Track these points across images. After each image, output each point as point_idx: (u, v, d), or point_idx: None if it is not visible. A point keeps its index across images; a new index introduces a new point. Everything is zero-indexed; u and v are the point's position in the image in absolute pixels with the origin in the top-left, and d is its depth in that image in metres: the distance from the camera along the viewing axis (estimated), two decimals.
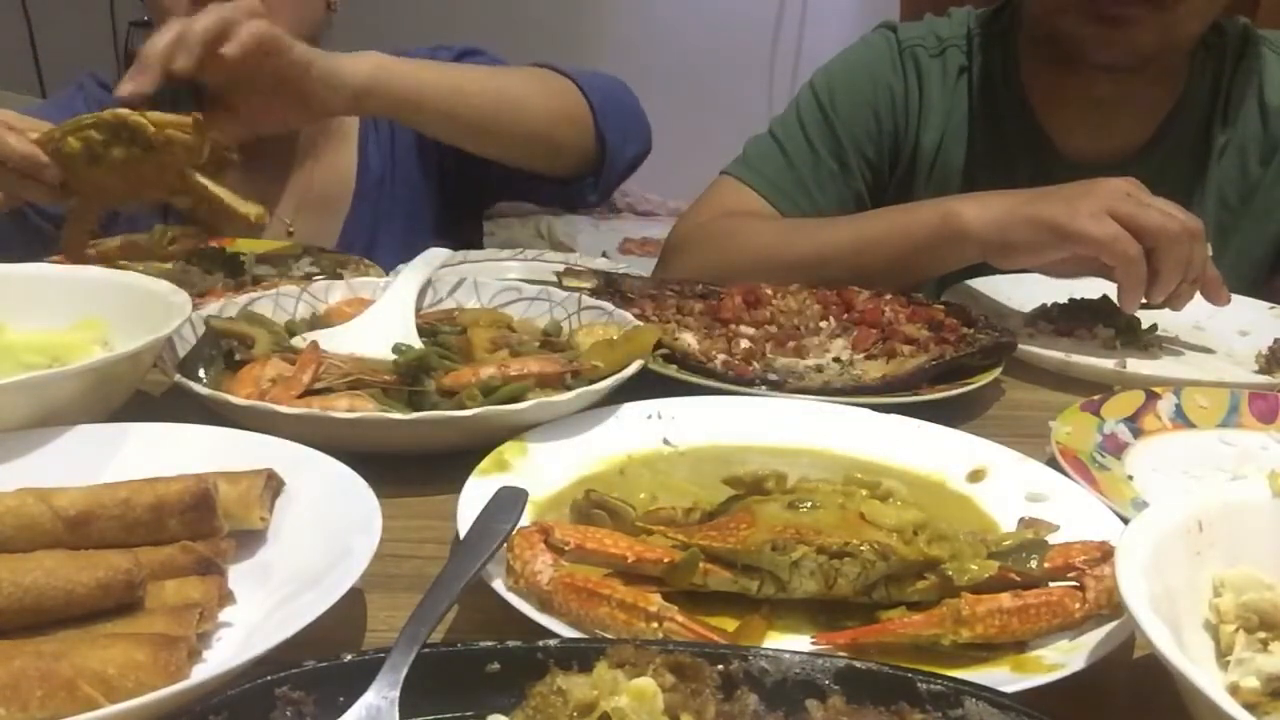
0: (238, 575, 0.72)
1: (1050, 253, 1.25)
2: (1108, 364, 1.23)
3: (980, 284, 1.49)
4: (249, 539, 0.74)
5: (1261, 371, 1.27)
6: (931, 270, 1.41)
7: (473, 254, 1.57)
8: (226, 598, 0.68)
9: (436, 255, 1.26)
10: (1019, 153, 1.58)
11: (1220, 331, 1.41)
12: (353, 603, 0.69)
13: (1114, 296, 1.42)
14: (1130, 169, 1.46)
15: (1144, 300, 1.23)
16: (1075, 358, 1.25)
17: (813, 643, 0.68)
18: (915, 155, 1.61)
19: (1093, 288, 1.46)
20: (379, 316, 1.13)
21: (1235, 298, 1.48)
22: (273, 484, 0.77)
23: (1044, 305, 1.42)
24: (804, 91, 1.65)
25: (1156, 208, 1.20)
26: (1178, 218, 1.20)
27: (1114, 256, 1.19)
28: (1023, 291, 1.47)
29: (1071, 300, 1.42)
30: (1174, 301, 1.24)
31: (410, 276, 1.20)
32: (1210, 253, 1.23)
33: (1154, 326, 1.37)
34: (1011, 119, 1.58)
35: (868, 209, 1.60)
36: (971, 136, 1.60)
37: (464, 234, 1.80)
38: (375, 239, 1.66)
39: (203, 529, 0.71)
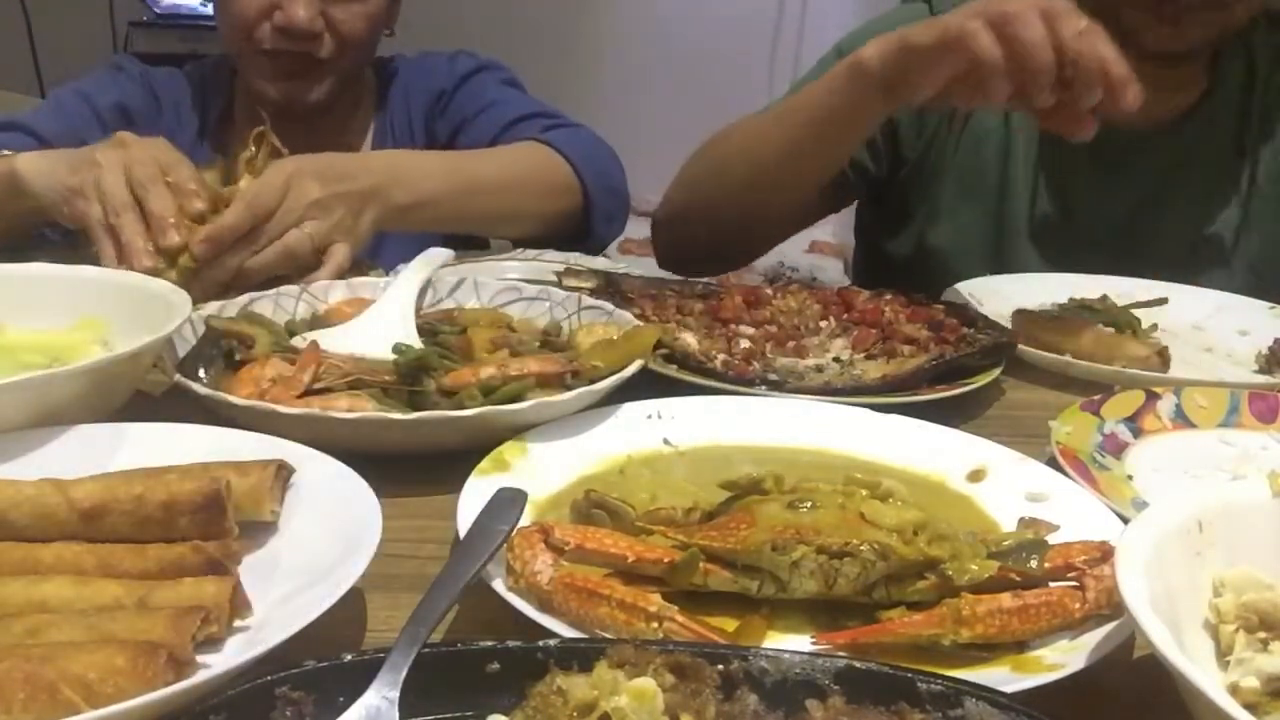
0: (240, 573, 0.72)
1: (919, 75, 1.18)
2: (1108, 364, 1.23)
3: (980, 284, 1.49)
4: (250, 537, 0.74)
5: (1261, 371, 1.28)
6: (853, 125, 1.37)
7: (473, 254, 1.57)
8: (244, 606, 0.68)
9: (436, 255, 1.26)
10: None
11: (1220, 331, 1.41)
12: (353, 603, 0.69)
13: (1114, 296, 1.43)
14: (1172, 139, 1.44)
15: (1039, 102, 1.12)
16: (1075, 358, 1.25)
17: (813, 643, 0.68)
18: (942, 119, 1.59)
19: (1093, 287, 1.47)
20: (379, 316, 1.13)
21: (1235, 298, 1.48)
22: (283, 474, 0.77)
23: (1044, 305, 1.42)
24: (829, 52, 1.62)
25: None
26: (1023, 2, 1.11)
27: (958, 40, 1.12)
28: (1023, 291, 1.47)
29: (1071, 300, 1.42)
30: (1078, 95, 1.11)
31: (410, 276, 1.20)
32: (1082, 27, 1.10)
33: (1154, 326, 1.37)
34: None
35: (880, 162, 1.61)
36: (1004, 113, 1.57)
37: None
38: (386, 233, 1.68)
39: (213, 530, 0.72)
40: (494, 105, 1.74)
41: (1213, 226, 1.58)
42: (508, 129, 1.67)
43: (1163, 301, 1.45)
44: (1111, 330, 1.33)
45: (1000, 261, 1.60)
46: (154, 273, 1.19)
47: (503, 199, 1.54)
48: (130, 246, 1.18)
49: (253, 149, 1.35)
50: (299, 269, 1.29)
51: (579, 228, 1.64)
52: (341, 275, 1.28)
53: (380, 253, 1.57)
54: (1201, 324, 1.42)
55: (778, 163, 1.38)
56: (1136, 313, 1.39)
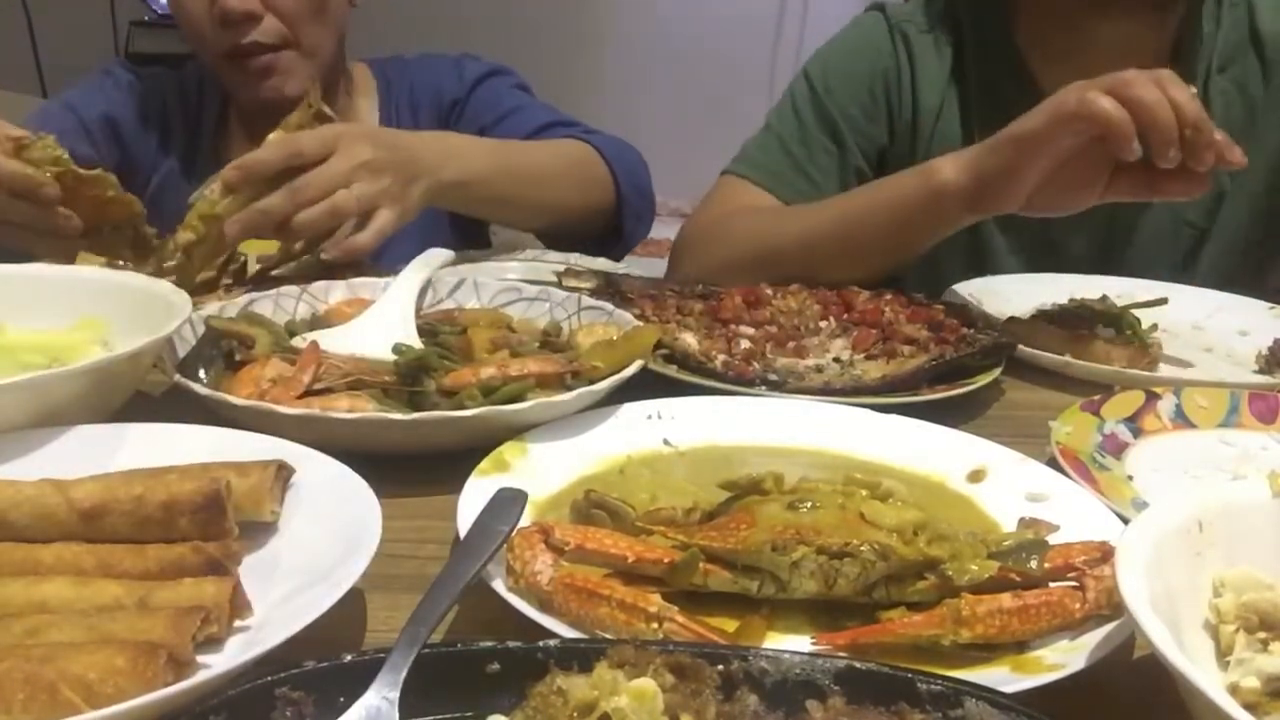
0: (240, 573, 0.72)
1: (1023, 168, 1.20)
2: (1108, 364, 1.23)
3: (980, 284, 1.48)
4: (250, 537, 0.75)
5: (1261, 371, 1.27)
6: (924, 235, 1.38)
7: (473, 254, 1.58)
8: (244, 607, 0.68)
9: (436, 255, 1.26)
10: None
11: (1220, 331, 1.41)
12: (353, 603, 0.69)
13: (1114, 296, 1.42)
14: None
15: (1164, 160, 1.13)
16: (1075, 359, 1.25)
17: (813, 643, 0.68)
18: (914, 131, 1.61)
19: (1093, 287, 1.46)
20: (379, 316, 1.12)
21: (1235, 298, 1.48)
22: (283, 474, 0.77)
23: (1043, 305, 1.42)
24: (797, 78, 1.66)
25: (1109, 75, 1.17)
26: (1132, 71, 1.15)
27: (1079, 110, 1.14)
28: (1022, 292, 1.47)
29: (1071, 300, 1.41)
30: (1191, 157, 1.13)
31: (410, 276, 1.20)
32: (1194, 91, 1.14)
33: (1154, 326, 1.36)
34: (1011, 88, 1.55)
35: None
36: (970, 109, 1.59)
37: (476, 231, 1.81)
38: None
39: (213, 530, 0.72)
40: (515, 112, 1.74)
41: (1191, 205, 1.57)
42: (532, 137, 1.68)
43: (1163, 301, 1.45)
44: (1112, 332, 1.33)
45: (980, 257, 1.61)
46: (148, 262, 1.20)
47: (544, 188, 1.56)
48: (57, 248, 1.18)
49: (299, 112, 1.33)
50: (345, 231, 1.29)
51: (609, 226, 1.65)
52: (384, 238, 1.28)
53: (382, 253, 1.58)
54: (1201, 324, 1.43)
55: (836, 259, 1.37)
56: (1137, 312, 1.39)
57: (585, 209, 1.62)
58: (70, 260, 1.19)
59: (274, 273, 1.36)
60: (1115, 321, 1.32)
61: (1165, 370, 1.25)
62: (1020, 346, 1.23)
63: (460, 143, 1.51)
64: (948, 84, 1.60)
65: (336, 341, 1.06)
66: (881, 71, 1.61)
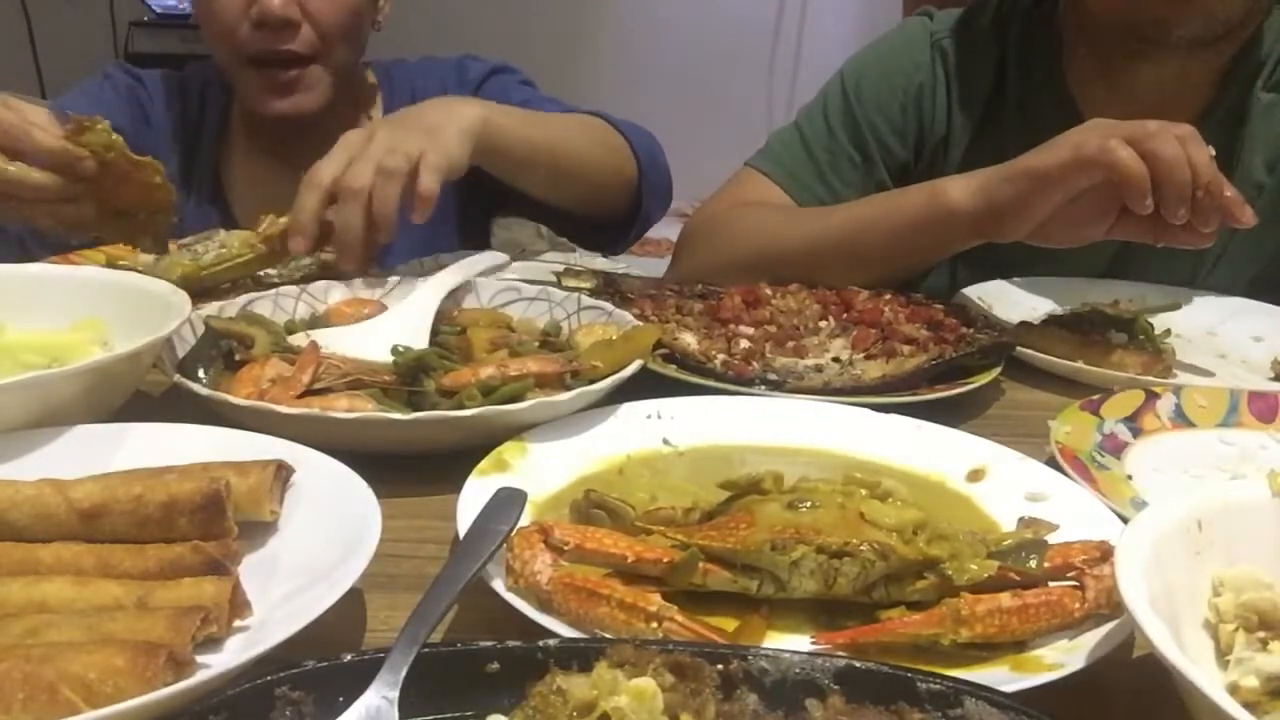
0: (240, 573, 0.72)
1: (1035, 202, 1.20)
2: (1121, 371, 1.21)
3: (992, 288, 1.47)
4: (250, 537, 0.75)
5: (1277, 379, 1.25)
6: (928, 253, 1.38)
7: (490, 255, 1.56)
8: (244, 606, 0.68)
9: (480, 260, 1.25)
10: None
11: (1234, 337, 1.39)
12: (353, 603, 0.69)
13: (1126, 301, 1.41)
14: None
15: (1173, 217, 1.14)
16: (1088, 365, 1.22)
17: (812, 642, 0.68)
18: (946, 150, 1.58)
19: (1105, 292, 1.45)
20: (391, 319, 1.11)
21: (1249, 303, 1.46)
22: (283, 474, 0.77)
23: (1055, 310, 1.40)
24: (833, 79, 1.63)
25: (1132, 122, 1.17)
26: (1155, 123, 1.16)
27: (1098, 157, 1.14)
28: (1036, 296, 1.46)
29: (1083, 305, 1.40)
30: (1198, 218, 1.14)
31: (442, 279, 1.19)
32: (1213, 153, 1.15)
33: (1167, 332, 1.34)
34: (1054, 116, 1.47)
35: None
36: (1006, 133, 1.52)
37: (480, 233, 1.80)
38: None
39: (213, 530, 0.72)
40: (523, 106, 1.72)
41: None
42: None
43: (1176, 306, 1.44)
44: (1125, 337, 1.31)
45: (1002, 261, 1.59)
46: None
47: (574, 150, 1.51)
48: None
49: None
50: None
51: (630, 203, 1.62)
52: (443, 175, 1.22)
53: (385, 252, 1.57)
54: (1215, 329, 1.41)
55: (839, 267, 1.36)
56: (1149, 318, 1.37)
57: (609, 181, 1.57)
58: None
59: (274, 273, 1.35)
60: (1128, 327, 1.30)
61: (1182, 378, 1.22)
62: (1032, 352, 1.22)
63: (499, 109, 1.43)
64: (985, 106, 1.56)
65: (342, 341, 1.05)
66: (916, 86, 1.57)
